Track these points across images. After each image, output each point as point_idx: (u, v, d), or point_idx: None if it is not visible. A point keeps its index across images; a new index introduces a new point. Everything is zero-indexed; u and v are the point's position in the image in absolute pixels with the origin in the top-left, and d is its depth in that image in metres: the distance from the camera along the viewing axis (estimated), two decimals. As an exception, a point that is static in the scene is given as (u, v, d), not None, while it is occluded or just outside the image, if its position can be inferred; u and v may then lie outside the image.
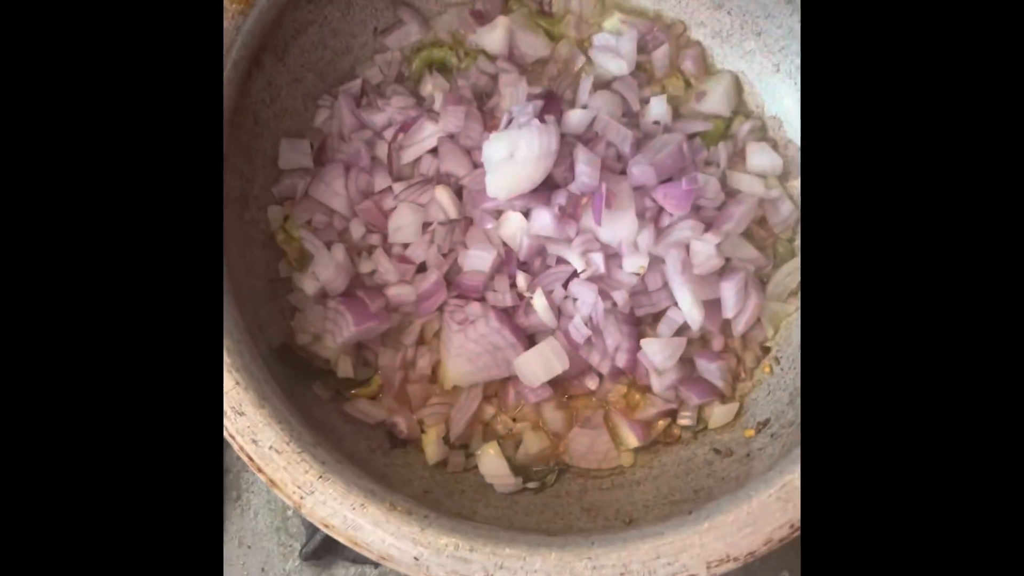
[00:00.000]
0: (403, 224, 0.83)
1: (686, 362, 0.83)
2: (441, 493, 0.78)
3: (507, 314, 0.81)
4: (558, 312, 0.81)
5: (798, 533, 0.65)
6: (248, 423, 0.66)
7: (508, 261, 0.82)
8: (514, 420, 0.84)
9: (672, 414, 0.84)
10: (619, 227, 0.80)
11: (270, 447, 0.66)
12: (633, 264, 0.80)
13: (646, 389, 0.83)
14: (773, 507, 0.65)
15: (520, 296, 0.82)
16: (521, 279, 0.81)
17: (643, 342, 0.81)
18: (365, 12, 0.88)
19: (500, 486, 0.80)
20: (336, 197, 0.84)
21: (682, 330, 0.83)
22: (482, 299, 0.82)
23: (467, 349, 0.81)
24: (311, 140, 0.86)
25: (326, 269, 0.81)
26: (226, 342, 0.68)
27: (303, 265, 0.84)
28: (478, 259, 0.81)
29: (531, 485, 0.81)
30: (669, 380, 0.82)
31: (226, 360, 0.67)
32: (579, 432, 0.82)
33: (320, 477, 0.66)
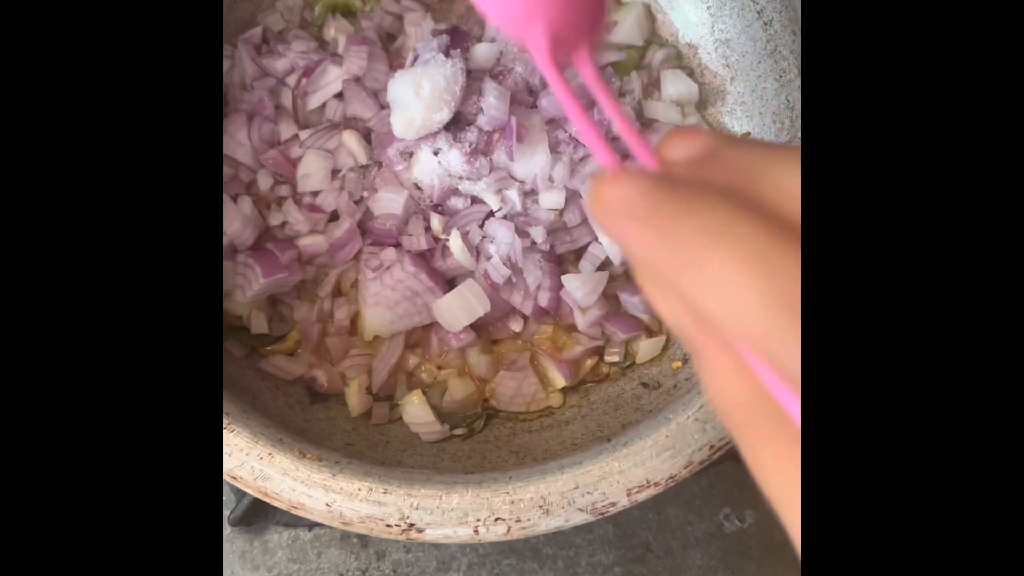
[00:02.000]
0: (311, 171, 0.80)
1: (610, 298, 0.82)
2: (364, 445, 0.76)
3: (423, 258, 0.79)
4: (476, 253, 0.79)
5: (718, 454, 0.64)
6: (146, 377, 0.64)
7: (421, 203, 0.79)
8: (439, 368, 0.81)
9: (599, 351, 0.82)
10: (532, 162, 0.78)
11: (171, 401, 0.64)
12: (550, 200, 0.78)
13: (571, 328, 0.82)
14: (691, 428, 0.64)
15: (436, 239, 0.79)
16: (436, 221, 0.79)
17: (564, 278, 0.79)
18: (261, -44, 0.85)
19: (426, 434, 0.78)
20: (240, 148, 0.81)
21: (604, 265, 0.81)
22: (397, 245, 0.79)
23: (384, 297, 0.78)
24: (212, 92, 0.83)
25: (233, 222, 0.78)
26: (120, 296, 0.65)
27: (210, 220, 0.81)
28: (389, 202, 0.78)
29: (458, 431, 0.79)
30: (593, 317, 0.80)
31: (119, 314, 0.64)
32: (505, 375, 0.80)
33: (225, 428, 0.63)
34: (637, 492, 0.63)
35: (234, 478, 0.63)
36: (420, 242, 0.78)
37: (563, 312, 0.81)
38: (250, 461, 0.63)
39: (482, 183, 0.78)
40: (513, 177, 0.78)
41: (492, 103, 0.76)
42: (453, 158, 0.77)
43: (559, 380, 0.81)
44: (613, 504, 0.63)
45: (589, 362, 0.82)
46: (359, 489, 0.63)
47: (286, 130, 0.81)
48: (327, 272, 0.81)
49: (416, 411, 0.78)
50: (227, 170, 0.81)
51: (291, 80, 0.82)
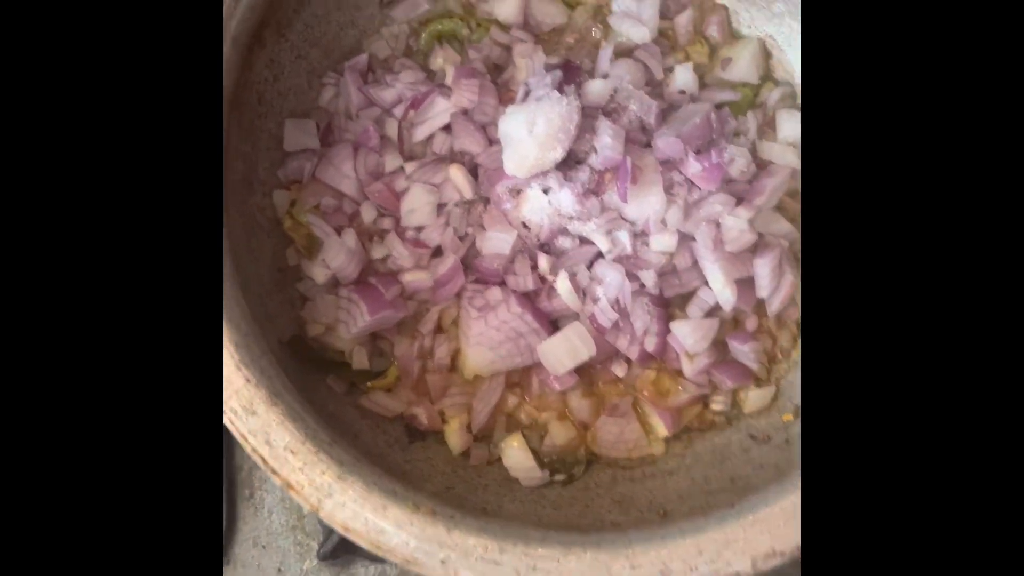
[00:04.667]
0: (416, 206, 0.78)
1: (719, 344, 0.79)
2: (464, 488, 0.75)
3: (529, 298, 0.77)
4: (583, 295, 0.77)
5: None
6: (261, 423, 0.62)
7: (528, 242, 0.77)
8: (538, 409, 0.80)
9: (705, 399, 0.80)
10: (645, 204, 0.75)
11: (284, 447, 0.62)
12: (661, 243, 0.76)
13: (677, 374, 0.79)
14: (822, 499, 0.61)
15: (542, 279, 0.77)
16: (543, 261, 0.77)
17: (673, 325, 0.77)
18: (370, -17, 0.83)
19: (526, 479, 0.76)
20: (345, 179, 0.79)
21: (714, 311, 0.78)
22: (502, 283, 0.77)
23: (488, 336, 0.76)
24: (317, 120, 0.82)
25: (337, 256, 0.77)
26: (234, 336, 0.64)
27: (312, 252, 0.80)
28: (497, 241, 0.76)
29: (558, 478, 0.77)
30: (701, 364, 0.77)
31: (235, 356, 0.63)
32: (607, 420, 0.78)
33: (338, 478, 0.62)
34: (763, 561, 0.61)
35: (347, 529, 0.62)
36: (527, 282, 0.76)
37: (669, 358, 0.79)
38: (364, 513, 0.62)
39: (592, 224, 0.76)
40: (624, 218, 0.76)
41: (607, 142, 0.74)
42: (564, 197, 0.75)
43: (661, 429, 0.78)
44: (737, 573, 0.61)
45: (694, 409, 0.80)
46: (475, 546, 0.61)
47: (391, 162, 0.80)
48: (428, 308, 0.79)
49: (516, 456, 0.77)
50: (331, 201, 0.80)
51: (398, 111, 0.80)
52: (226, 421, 0.63)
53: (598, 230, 0.76)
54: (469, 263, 0.79)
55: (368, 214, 0.79)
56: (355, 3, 0.83)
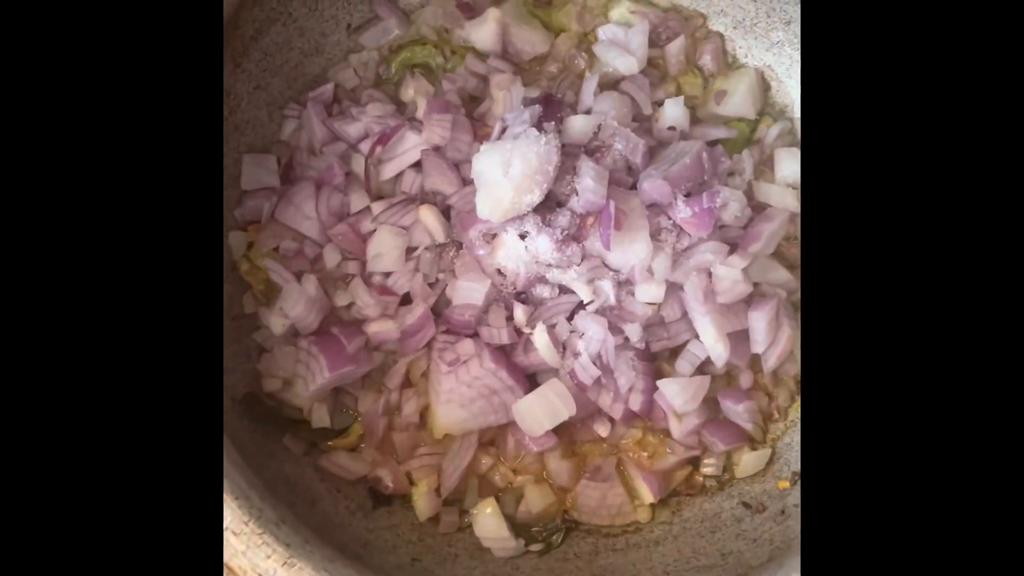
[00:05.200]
0: (383, 250, 0.72)
1: (710, 402, 0.73)
2: (432, 560, 0.69)
3: (504, 352, 0.71)
4: (562, 349, 0.71)
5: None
6: (199, 501, 0.56)
7: (504, 291, 0.71)
8: (514, 472, 0.74)
9: (694, 462, 0.74)
10: (630, 251, 0.69)
11: (226, 528, 0.56)
12: (648, 293, 0.70)
13: (664, 434, 0.73)
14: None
15: (518, 332, 0.71)
16: (519, 312, 0.71)
17: (660, 383, 0.71)
18: (336, 7, 0.77)
19: (499, 550, 0.70)
20: (307, 221, 0.73)
21: (704, 366, 0.72)
22: (475, 335, 0.71)
23: (459, 393, 0.70)
24: (278, 155, 0.76)
25: (296, 304, 0.71)
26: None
27: (270, 299, 0.74)
28: (469, 291, 0.70)
29: (534, 547, 0.71)
30: (691, 424, 0.71)
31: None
32: (588, 484, 0.72)
33: (284, 564, 0.56)
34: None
35: (293, 622, 0.56)
36: (502, 336, 0.70)
37: (656, 416, 0.73)
38: (312, 604, 0.56)
39: (572, 272, 0.70)
40: (608, 266, 0.70)
41: (589, 185, 0.68)
42: (542, 244, 0.69)
43: (647, 495, 0.72)
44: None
45: (681, 473, 0.74)
46: (434, 642, 0.55)
47: (357, 202, 0.74)
48: (395, 359, 0.73)
49: (489, 524, 0.71)
50: (290, 244, 0.74)
51: (364, 146, 0.74)
52: (161, 498, 0.57)
53: (579, 279, 0.69)
54: (440, 311, 0.73)
55: (331, 258, 0.73)
56: (320, 29, 0.77)
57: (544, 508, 0.72)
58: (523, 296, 0.72)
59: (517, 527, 0.71)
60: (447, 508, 0.72)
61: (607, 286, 0.70)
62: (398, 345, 0.73)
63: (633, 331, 0.70)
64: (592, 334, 0.70)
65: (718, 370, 0.73)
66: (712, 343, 0.70)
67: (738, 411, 0.72)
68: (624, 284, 0.71)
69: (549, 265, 0.70)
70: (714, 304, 0.70)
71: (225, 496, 0.57)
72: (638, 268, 0.69)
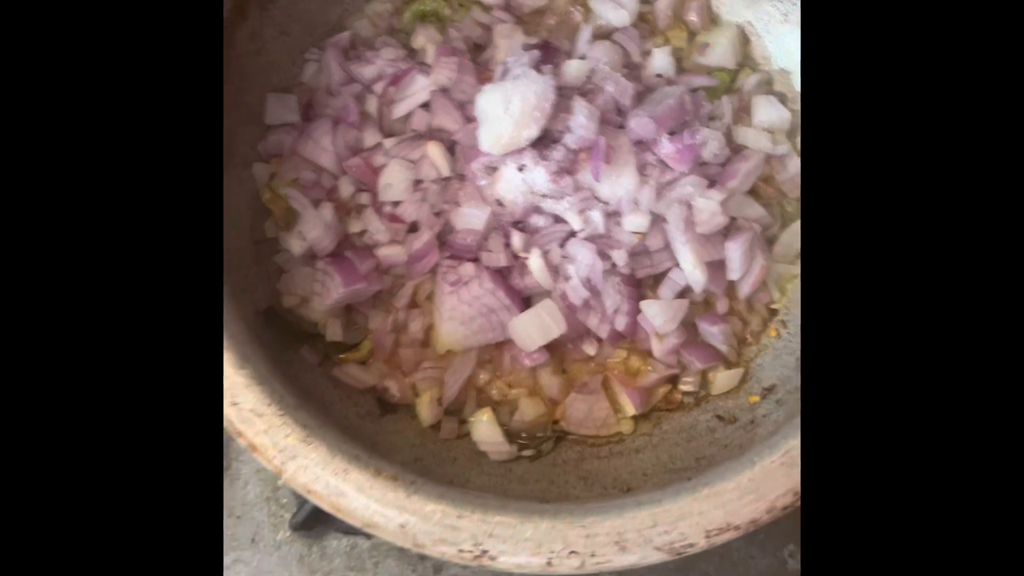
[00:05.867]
0: (393, 181, 0.79)
1: (688, 326, 0.80)
2: (432, 461, 0.76)
3: (502, 275, 0.78)
4: (555, 273, 0.78)
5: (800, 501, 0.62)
6: (228, 385, 0.64)
7: (502, 220, 0.78)
8: (509, 386, 0.80)
9: (673, 380, 0.81)
10: (619, 183, 0.76)
11: (250, 410, 0.63)
12: (633, 223, 0.77)
13: (646, 354, 0.80)
14: (777, 473, 0.62)
15: (515, 256, 0.78)
16: (516, 238, 0.78)
17: (643, 304, 0.77)
18: (354, -39, 0.84)
19: (494, 454, 0.77)
20: (324, 153, 0.80)
21: (684, 292, 0.79)
22: (476, 259, 0.78)
23: (460, 312, 0.77)
24: (299, 96, 0.83)
25: (314, 228, 0.78)
26: (205, 301, 0.65)
27: (289, 225, 0.81)
28: (471, 217, 0.77)
29: (526, 453, 0.78)
30: (670, 344, 0.78)
31: (204, 319, 0.64)
32: (576, 397, 0.79)
33: (303, 441, 0.63)
34: (716, 535, 0.61)
35: (309, 491, 0.63)
36: (500, 259, 0.77)
37: (639, 338, 0.80)
38: (325, 476, 0.62)
39: (565, 202, 0.77)
40: (597, 198, 0.77)
41: (581, 122, 0.75)
42: (538, 176, 0.76)
43: (629, 408, 0.79)
44: (691, 545, 0.61)
45: (662, 390, 0.81)
46: (433, 511, 0.62)
47: (370, 138, 0.81)
48: (403, 283, 0.80)
49: (486, 430, 0.77)
50: (309, 175, 0.81)
51: (378, 88, 0.81)
52: (194, 383, 0.64)
53: (571, 209, 0.76)
54: (444, 239, 0.80)
55: (346, 189, 0.80)
56: (339, -19, 0.84)
57: (536, 418, 0.79)
58: (520, 224, 0.79)
59: (511, 435, 0.78)
60: (448, 417, 0.79)
61: (596, 216, 0.77)
62: (405, 269, 0.80)
63: (620, 257, 0.77)
64: (582, 259, 0.77)
65: (697, 296, 0.79)
66: (691, 269, 0.77)
67: (714, 332, 0.79)
68: (612, 215, 0.78)
69: (544, 196, 0.77)
70: (694, 234, 0.77)
71: (250, 382, 0.64)
72: (625, 199, 0.76)
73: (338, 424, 0.69)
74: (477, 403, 0.80)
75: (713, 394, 0.80)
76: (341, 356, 0.80)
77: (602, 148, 0.74)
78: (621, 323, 0.78)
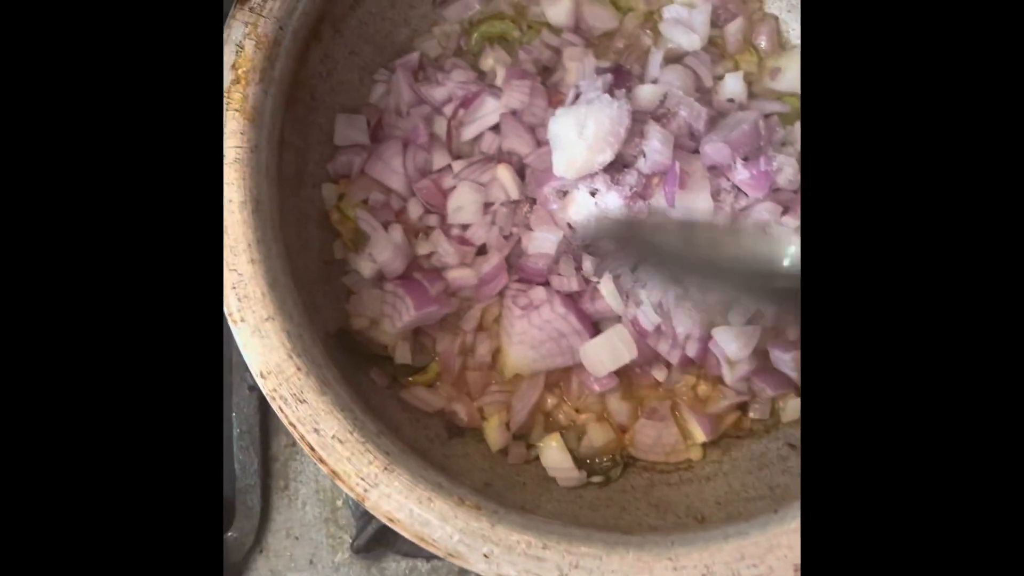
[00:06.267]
0: (463, 204, 0.79)
1: (760, 352, 0.79)
2: (503, 486, 0.75)
3: (572, 299, 0.78)
4: (626, 298, 0.77)
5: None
6: (310, 411, 0.63)
7: (573, 244, 0.78)
8: (577, 411, 0.80)
9: (743, 406, 0.80)
10: (693, 209, 0.76)
11: (332, 436, 0.63)
12: None
13: (716, 380, 0.79)
14: (868, 508, 0.61)
15: (586, 280, 0.78)
16: (587, 263, 0.77)
17: (715, 331, 0.77)
18: (423, -17, 0.84)
19: (563, 480, 0.77)
20: (394, 175, 0.80)
21: (755, 318, 0.78)
22: (546, 283, 0.78)
23: (531, 336, 0.77)
24: (367, 116, 0.83)
25: (384, 250, 0.78)
26: (286, 325, 0.65)
27: (358, 246, 0.80)
28: (544, 241, 0.77)
29: (595, 479, 0.78)
30: (742, 371, 0.77)
31: (287, 344, 0.64)
32: (645, 423, 0.79)
33: (385, 469, 0.63)
34: (806, 569, 0.61)
35: (392, 520, 0.62)
36: (571, 283, 0.77)
37: (709, 363, 0.79)
38: (409, 504, 0.62)
39: (638, 227, 0.76)
40: (671, 223, 0.76)
41: (656, 147, 0.74)
42: (611, 200, 0.75)
43: (699, 435, 0.78)
44: (779, 579, 0.61)
45: (731, 416, 0.80)
46: (518, 542, 0.62)
47: (439, 160, 0.81)
48: (471, 305, 0.80)
49: (555, 456, 0.77)
50: (378, 196, 0.81)
51: (448, 109, 0.81)
52: (275, 408, 0.64)
53: (644, 234, 0.76)
54: (513, 263, 0.79)
55: (415, 210, 0.80)
56: (409, 2, 0.84)
57: (605, 443, 0.78)
58: (591, 248, 0.78)
59: (579, 460, 0.78)
60: (516, 442, 0.79)
61: (669, 241, 0.76)
62: (474, 291, 0.79)
63: (692, 283, 0.76)
64: (654, 284, 0.76)
65: (768, 322, 0.79)
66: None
67: (786, 360, 0.78)
68: (684, 240, 0.77)
69: (617, 221, 0.76)
70: None
71: (332, 408, 0.64)
72: (699, 225, 0.76)
73: (413, 450, 0.69)
74: (545, 428, 0.79)
75: (784, 422, 0.79)
76: (409, 379, 0.79)
77: (676, 173, 0.74)
78: (692, 349, 0.77)
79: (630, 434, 0.79)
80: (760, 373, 0.78)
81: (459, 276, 0.79)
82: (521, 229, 0.79)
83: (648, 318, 0.76)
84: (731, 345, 0.76)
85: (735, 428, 0.80)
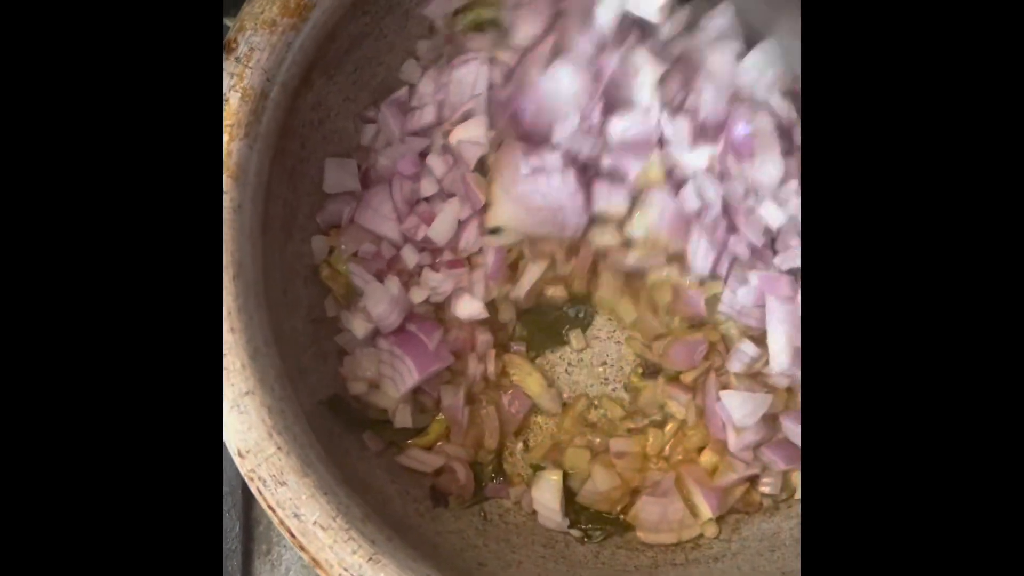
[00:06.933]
0: (444, 221, 0.75)
1: (769, 420, 0.74)
2: (497, 566, 0.71)
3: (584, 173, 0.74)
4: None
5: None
6: (291, 494, 0.59)
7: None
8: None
9: (753, 479, 0.75)
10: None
11: (314, 522, 0.59)
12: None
13: (722, 446, 0.75)
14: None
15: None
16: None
17: (723, 394, 0.73)
18: (423, 25, 0.79)
19: (544, 518, 0.75)
20: (385, 221, 0.76)
21: (752, 363, 0.74)
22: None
23: (529, 199, 0.73)
24: (359, 160, 0.78)
25: (379, 303, 0.73)
26: (267, 400, 0.60)
27: (351, 302, 0.76)
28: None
29: (574, 532, 0.75)
30: (748, 440, 0.73)
31: (267, 421, 0.60)
32: (649, 500, 0.74)
33: (370, 559, 0.58)
34: None
35: (378, 617, 0.58)
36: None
37: (714, 424, 0.74)
38: (397, 602, 0.58)
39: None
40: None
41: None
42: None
43: (706, 511, 0.74)
44: None
45: (739, 489, 0.75)
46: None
47: (427, 187, 0.76)
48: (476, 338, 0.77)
49: (548, 491, 0.75)
50: (369, 248, 0.76)
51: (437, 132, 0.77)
52: (253, 490, 0.59)
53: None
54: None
55: (410, 258, 0.76)
56: (406, 47, 0.79)
57: (609, 490, 0.74)
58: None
59: (574, 508, 0.75)
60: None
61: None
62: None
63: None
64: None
65: (780, 381, 0.74)
66: (778, 350, 0.72)
67: (798, 431, 0.74)
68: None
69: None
70: (794, 311, 0.72)
71: (314, 492, 0.59)
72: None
73: (403, 531, 0.64)
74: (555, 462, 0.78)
75: (797, 498, 0.75)
76: (408, 442, 0.75)
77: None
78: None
79: (633, 512, 0.75)
80: (770, 444, 0.74)
81: (467, 309, 0.75)
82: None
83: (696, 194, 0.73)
84: (738, 411, 0.72)
85: (744, 503, 0.75)
